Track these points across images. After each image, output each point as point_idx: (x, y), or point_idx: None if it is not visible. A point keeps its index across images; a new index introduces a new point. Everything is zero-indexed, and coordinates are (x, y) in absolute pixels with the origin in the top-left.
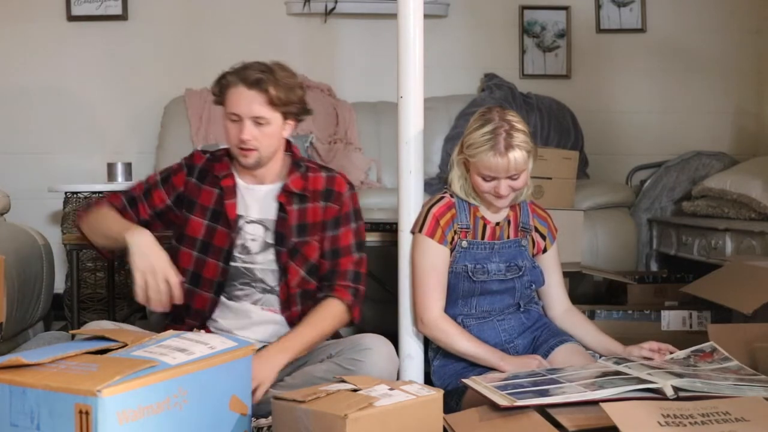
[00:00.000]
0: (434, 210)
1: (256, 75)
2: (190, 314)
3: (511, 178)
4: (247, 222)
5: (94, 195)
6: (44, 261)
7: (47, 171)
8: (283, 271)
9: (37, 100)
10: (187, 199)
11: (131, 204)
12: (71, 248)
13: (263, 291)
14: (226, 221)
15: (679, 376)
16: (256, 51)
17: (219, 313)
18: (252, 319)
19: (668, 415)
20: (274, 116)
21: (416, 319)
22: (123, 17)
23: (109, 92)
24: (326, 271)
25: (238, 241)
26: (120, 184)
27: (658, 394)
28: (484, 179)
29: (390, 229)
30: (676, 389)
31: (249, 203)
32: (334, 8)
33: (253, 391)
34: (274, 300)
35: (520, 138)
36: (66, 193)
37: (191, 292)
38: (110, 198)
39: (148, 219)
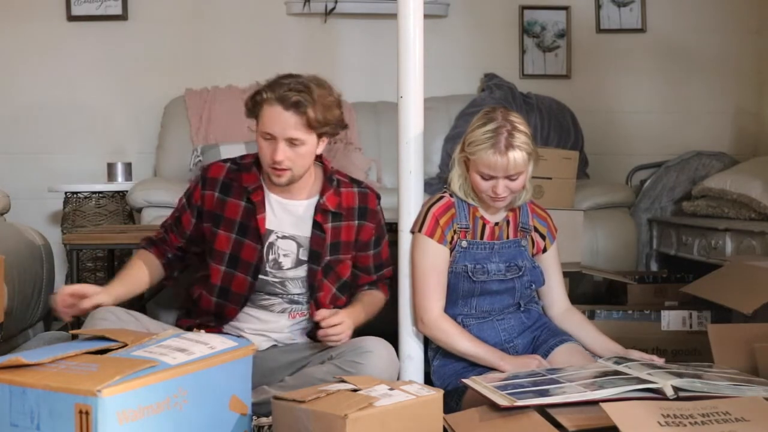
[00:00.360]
0: (434, 209)
1: (294, 97)
2: (218, 322)
3: (509, 178)
4: (280, 237)
5: (93, 195)
6: (44, 261)
7: (47, 171)
8: (316, 288)
9: (36, 100)
10: (209, 213)
11: (167, 233)
12: (71, 248)
13: (291, 302)
14: (255, 235)
15: (679, 376)
16: (256, 51)
17: (241, 318)
18: (279, 323)
19: (668, 415)
20: (310, 138)
21: (416, 319)
22: (123, 17)
23: (109, 92)
24: (368, 282)
25: (270, 256)
26: (120, 184)
27: (658, 394)
28: (483, 178)
29: (390, 229)
30: (676, 389)
31: (281, 218)
32: (334, 8)
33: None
34: (303, 309)
35: (521, 139)
36: (66, 193)
37: (221, 306)
38: (155, 233)
39: (182, 245)
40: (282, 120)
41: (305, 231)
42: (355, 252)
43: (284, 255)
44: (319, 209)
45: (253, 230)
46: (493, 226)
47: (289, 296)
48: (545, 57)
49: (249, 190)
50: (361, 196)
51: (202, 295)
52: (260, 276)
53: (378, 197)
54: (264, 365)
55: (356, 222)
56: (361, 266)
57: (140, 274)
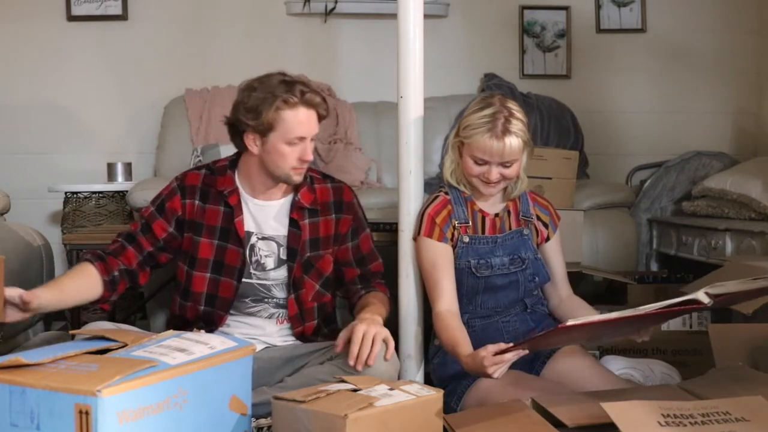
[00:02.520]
0: (429, 210)
1: (317, 98)
2: (207, 330)
3: (503, 165)
4: (260, 239)
5: (93, 195)
6: (44, 261)
7: (47, 171)
8: (297, 285)
9: (37, 100)
10: (189, 222)
11: (130, 240)
12: (71, 248)
13: (277, 306)
14: (236, 239)
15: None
16: (256, 51)
17: (231, 323)
18: (268, 329)
19: (668, 415)
20: None
21: None
22: (123, 17)
23: (109, 92)
24: (356, 276)
25: (253, 258)
26: (120, 184)
27: (695, 304)
28: (476, 162)
29: (390, 229)
30: (710, 295)
31: (259, 219)
32: (334, 8)
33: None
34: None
35: (518, 126)
36: (66, 193)
37: (209, 313)
38: (108, 246)
39: (152, 250)
40: (312, 120)
41: (283, 230)
42: (335, 246)
43: (266, 256)
44: (296, 206)
45: (233, 234)
46: (494, 217)
47: (275, 300)
48: (545, 57)
49: (225, 194)
50: (335, 190)
51: (186, 306)
52: (244, 279)
53: (353, 191)
54: (260, 365)
55: (334, 216)
56: (342, 260)
57: (75, 285)
